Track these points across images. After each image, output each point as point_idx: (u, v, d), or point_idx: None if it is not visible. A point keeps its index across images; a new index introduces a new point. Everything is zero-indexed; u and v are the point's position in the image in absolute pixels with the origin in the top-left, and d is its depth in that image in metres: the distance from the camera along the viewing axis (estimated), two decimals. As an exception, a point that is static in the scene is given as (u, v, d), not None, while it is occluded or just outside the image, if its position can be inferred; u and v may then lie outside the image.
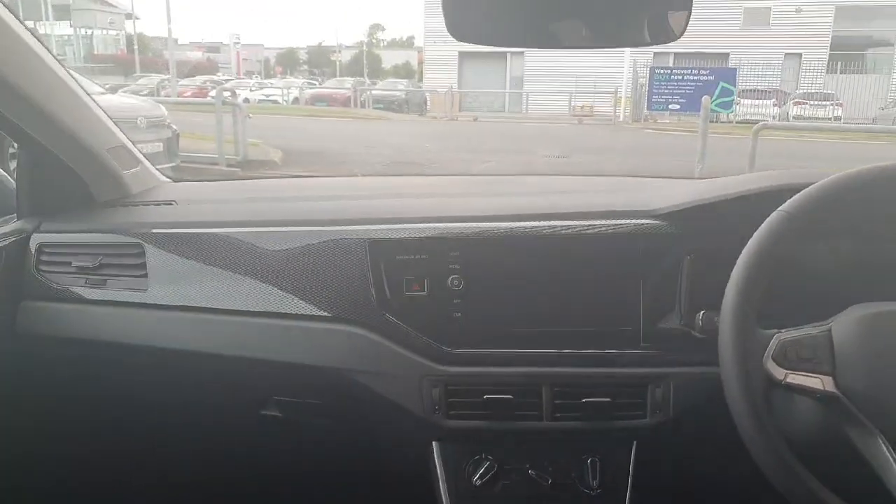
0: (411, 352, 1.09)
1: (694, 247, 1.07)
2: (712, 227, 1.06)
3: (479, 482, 1.11)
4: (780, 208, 0.86)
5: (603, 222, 1.11)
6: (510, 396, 1.07)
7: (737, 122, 15.85)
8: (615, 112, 19.65)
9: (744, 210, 0.95)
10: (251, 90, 24.59)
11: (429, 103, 23.67)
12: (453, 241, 1.11)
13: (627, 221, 1.11)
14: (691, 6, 0.86)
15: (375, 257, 1.11)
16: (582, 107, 20.89)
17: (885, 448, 0.78)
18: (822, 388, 0.81)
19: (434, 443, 1.14)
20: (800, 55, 22.60)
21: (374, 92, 23.55)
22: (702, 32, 21.51)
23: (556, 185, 1.52)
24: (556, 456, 1.13)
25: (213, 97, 10.00)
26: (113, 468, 1.47)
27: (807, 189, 0.87)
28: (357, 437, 1.27)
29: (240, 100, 11.81)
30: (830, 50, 22.56)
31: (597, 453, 1.12)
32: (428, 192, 1.43)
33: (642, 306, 1.10)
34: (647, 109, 17.69)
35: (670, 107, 16.68)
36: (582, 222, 1.11)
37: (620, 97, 19.95)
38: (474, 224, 1.12)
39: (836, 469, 0.82)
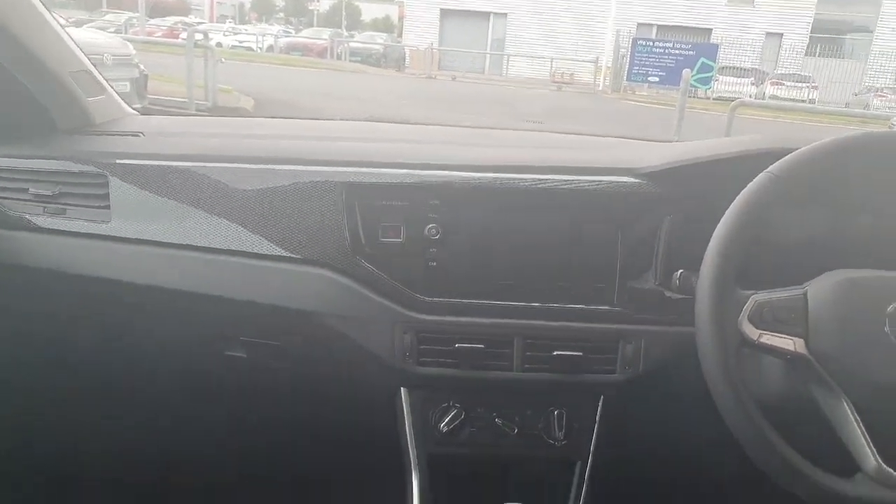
0: (384, 298, 1.07)
1: (675, 207, 1.07)
2: (695, 188, 1.06)
3: (445, 429, 1.11)
4: (767, 170, 0.86)
5: (584, 178, 1.09)
6: (481, 346, 1.07)
7: (714, 99, 15.93)
8: (595, 81, 19.56)
9: (728, 172, 0.95)
10: (224, 35, 23.74)
11: (407, 59, 23.24)
12: (433, 189, 1.08)
13: (609, 178, 1.09)
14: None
15: (351, 201, 1.08)
16: (562, 74, 20.76)
17: (848, 409, 0.80)
18: (793, 349, 0.82)
19: (402, 389, 1.13)
20: (781, 35, 22.72)
21: (351, 44, 23.00)
22: (687, 6, 21.47)
23: (539, 140, 1.49)
24: (523, 406, 1.13)
25: (184, 39, 9.61)
26: (65, 403, 1.43)
27: (795, 152, 0.87)
28: (324, 381, 1.26)
29: (212, 44, 11.36)
30: (811, 32, 22.71)
31: (564, 405, 1.13)
32: (408, 138, 1.39)
33: (619, 264, 1.09)
34: (627, 80, 17.62)
35: (649, 79, 16.62)
36: (563, 177, 1.09)
37: (601, 66, 19.86)
38: (455, 173, 1.09)
39: (801, 428, 0.83)
